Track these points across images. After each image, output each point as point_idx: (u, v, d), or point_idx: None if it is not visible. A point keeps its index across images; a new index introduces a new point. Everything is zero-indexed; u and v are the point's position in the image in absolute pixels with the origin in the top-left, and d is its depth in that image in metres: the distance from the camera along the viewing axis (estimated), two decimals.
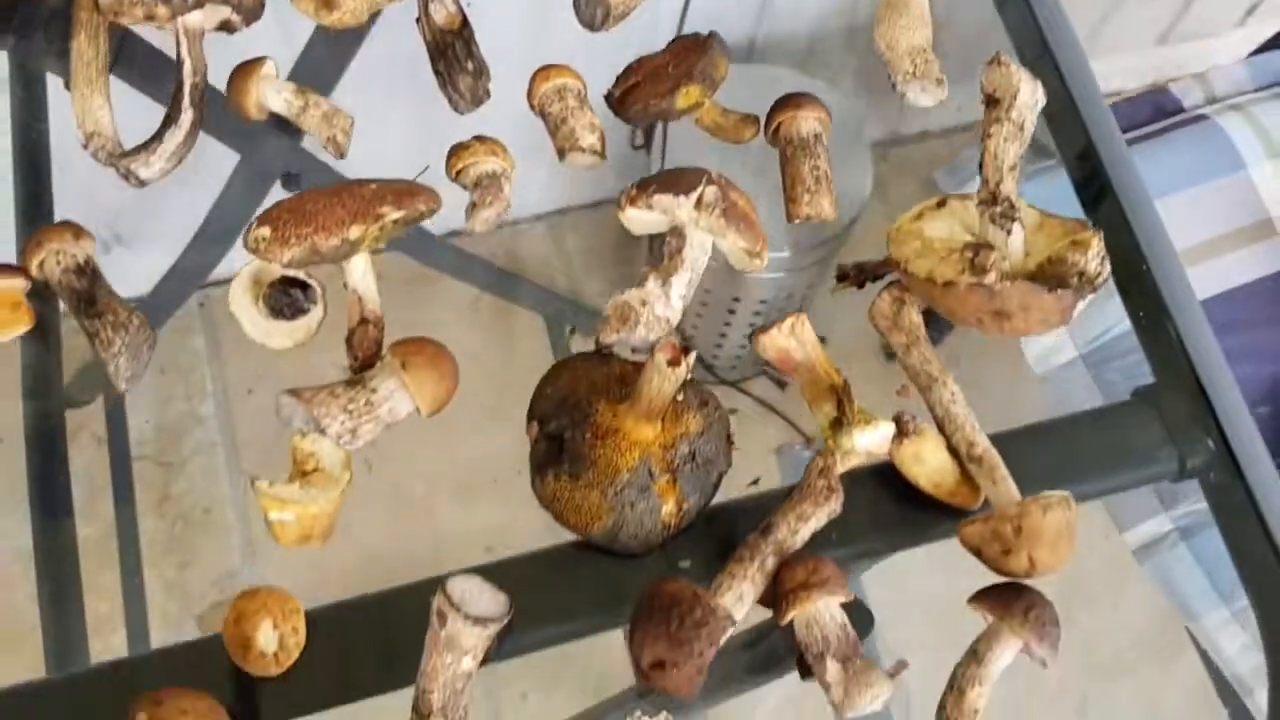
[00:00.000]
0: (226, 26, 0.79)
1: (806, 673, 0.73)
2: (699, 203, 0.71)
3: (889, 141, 2.27)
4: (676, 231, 0.74)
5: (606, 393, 0.71)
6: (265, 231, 0.68)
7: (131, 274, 0.95)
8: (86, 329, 0.70)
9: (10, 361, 0.79)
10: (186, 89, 0.76)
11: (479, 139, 0.77)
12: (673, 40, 0.83)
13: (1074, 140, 0.87)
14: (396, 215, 0.69)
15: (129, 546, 1.92)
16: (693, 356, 0.66)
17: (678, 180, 0.72)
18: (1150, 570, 1.34)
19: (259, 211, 1.51)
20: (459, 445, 2.08)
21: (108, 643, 1.74)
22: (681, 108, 0.78)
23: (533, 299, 2.06)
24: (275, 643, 0.64)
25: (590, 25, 0.82)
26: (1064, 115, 0.87)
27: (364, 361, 0.72)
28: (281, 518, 0.64)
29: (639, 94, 0.80)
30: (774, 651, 0.80)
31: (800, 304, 1.92)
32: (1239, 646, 1.29)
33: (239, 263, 0.74)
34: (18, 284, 0.70)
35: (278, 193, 1.50)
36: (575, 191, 2.08)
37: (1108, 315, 1.35)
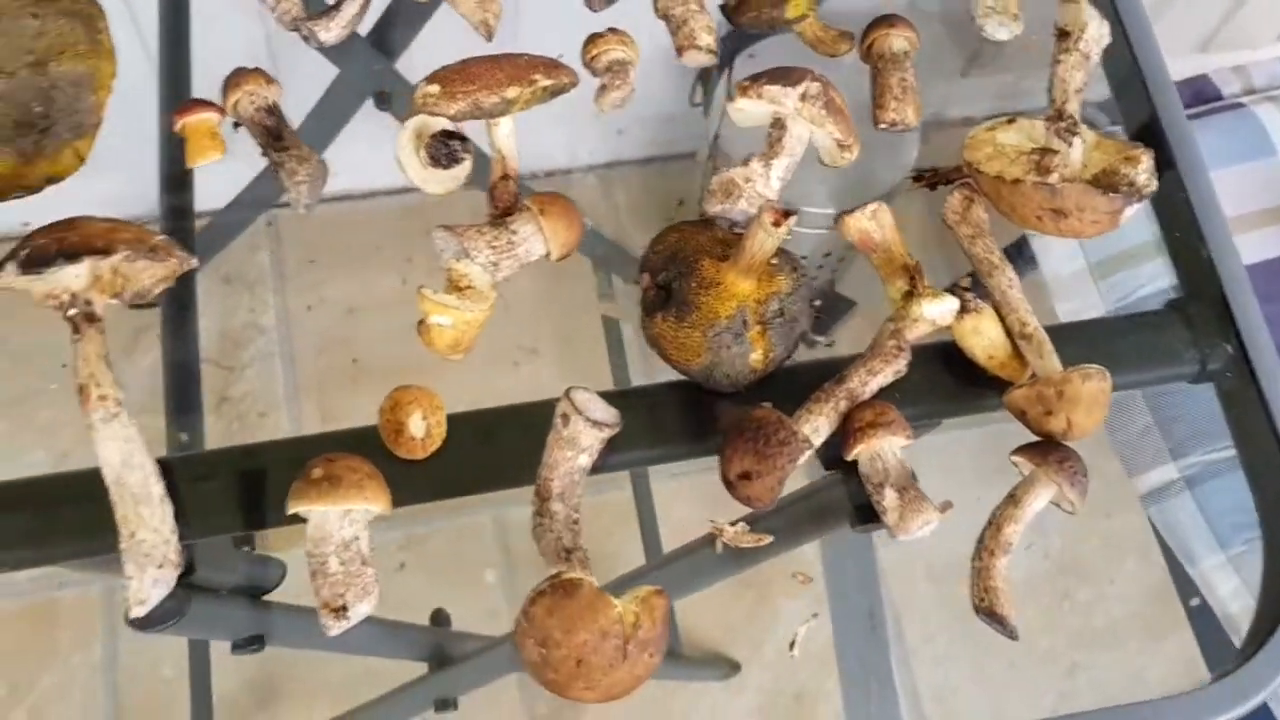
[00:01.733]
0: None
1: (857, 522, 0.85)
2: (804, 95, 0.83)
3: (932, 124, 2.37)
4: (779, 122, 0.85)
5: (710, 251, 0.82)
6: (434, 88, 0.79)
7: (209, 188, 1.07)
8: (273, 159, 0.81)
9: None
10: None
11: (612, 30, 0.88)
12: None
13: (1138, 111, 0.95)
14: (546, 83, 0.80)
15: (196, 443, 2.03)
16: (794, 219, 0.77)
17: (785, 74, 0.83)
18: (1155, 515, 1.45)
19: (343, 129, 1.62)
20: (501, 377, 2.20)
21: None
22: (790, 18, 0.89)
23: (588, 245, 2.17)
24: (423, 430, 0.76)
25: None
26: (1130, 86, 0.96)
27: (503, 210, 0.83)
28: (440, 321, 0.75)
29: (752, 4, 0.91)
30: (827, 506, 0.91)
31: (837, 263, 2.03)
32: (1231, 589, 1.40)
33: None
34: (214, 115, 0.82)
35: (367, 111, 1.61)
36: (628, 147, 2.19)
37: (1139, 276, 1.46)
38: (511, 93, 0.79)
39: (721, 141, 2.05)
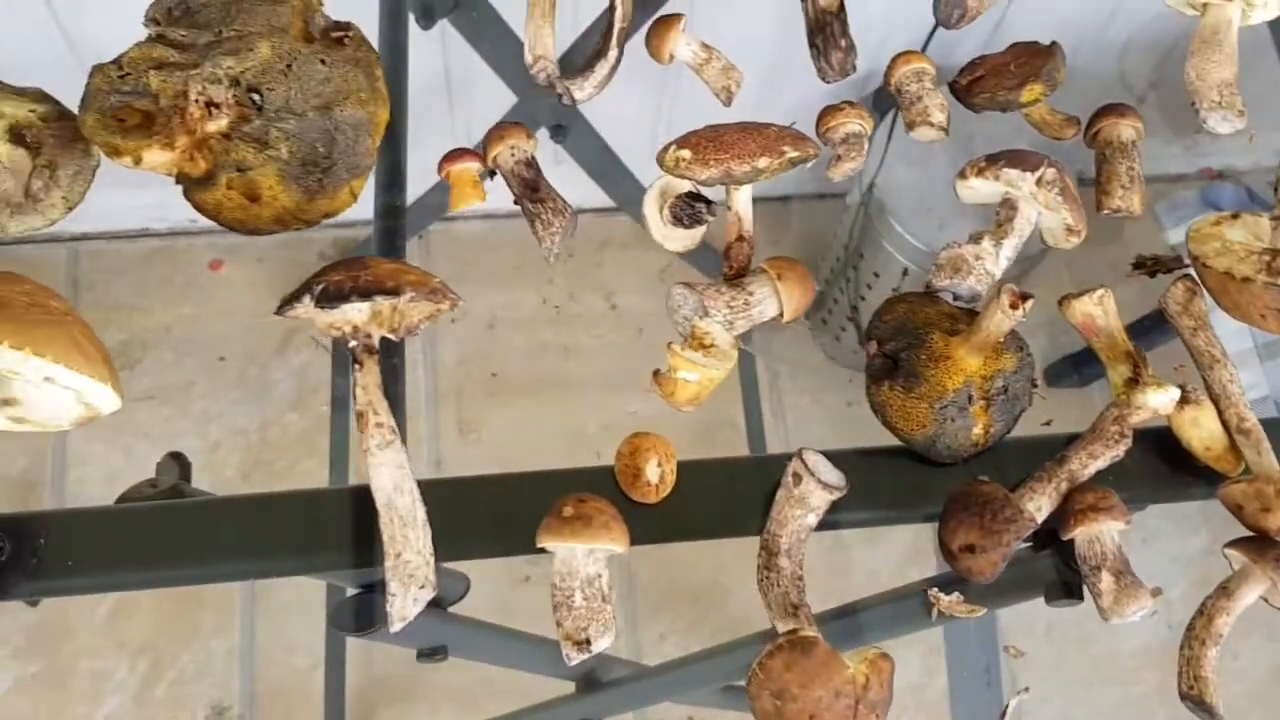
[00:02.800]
0: None
1: (1054, 597, 0.87)
2: (1040, 180, 0.85)
3: None
4: (1009, 203, 0.87)
5: (938, 325, 0.85)
6: (686, 153, 0.84)
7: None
8: (529, 211, 0.87)
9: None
10: (615, 31, 0.92)
11: (848, 103, 0.92)
12: (1012, 44, 0.97)
13: None
14: (794, 155, 0.84)
15: (340, 441, 2.11)
16: (1031, 303, 0.79)
17: (1024, 158, 0.86)
18: None
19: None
20: (635, 401, 2.24)
21: None
22: (1024, 101, 0.92)
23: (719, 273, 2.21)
24: (658, 476, 0.80)
25: (946, 23, 0.96)
26: None
27: (737, 270, 0.87)
28: (687, 376, 0.79)
29: (985, 85, 0.94)
30: (1025, 578, 0.93)
31: None
32: None
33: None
34: (476, 166, 0.87)
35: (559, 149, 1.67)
36: (772, 183, 2.23)
37: None
38: (762, 163, 0.83)
39: (877, 190, 2.08)
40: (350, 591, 0.86)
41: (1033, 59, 0.94)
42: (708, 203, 0.87)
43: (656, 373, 0.83)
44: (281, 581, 2.18)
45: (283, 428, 2.33)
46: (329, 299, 0.74)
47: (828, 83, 0.96)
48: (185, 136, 0.82)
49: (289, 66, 0.84)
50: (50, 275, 2.33)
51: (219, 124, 0.82)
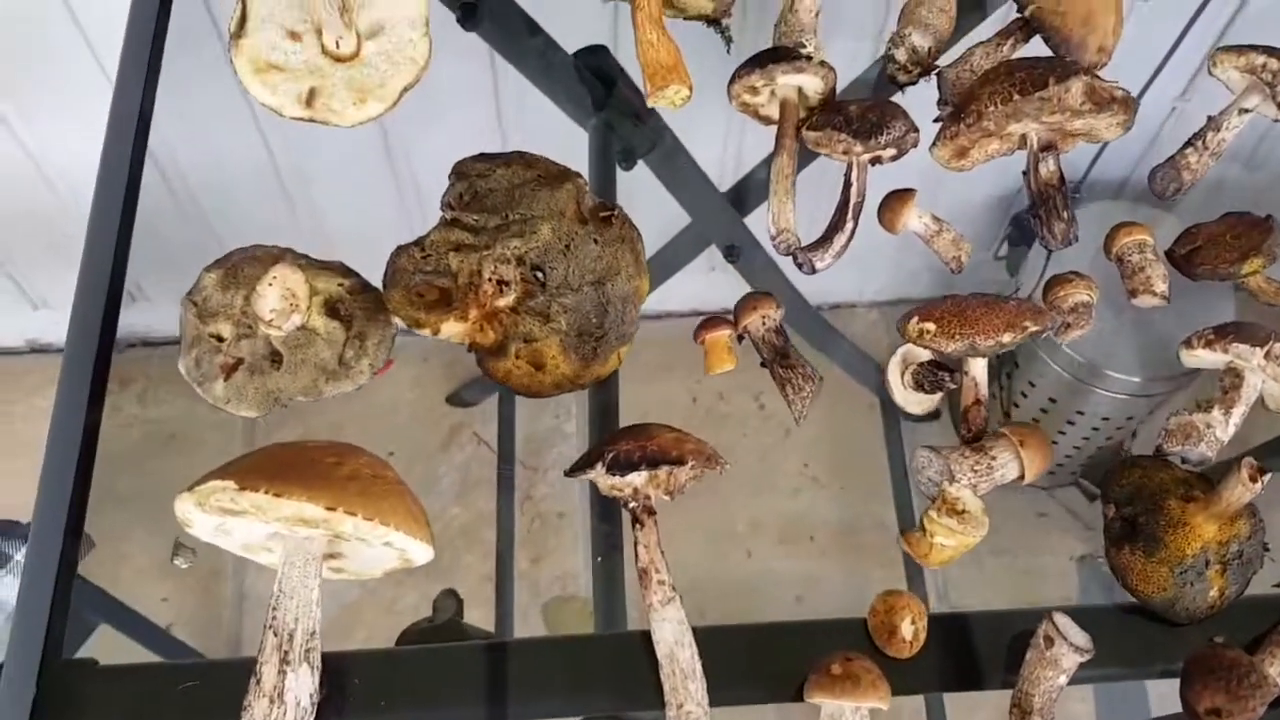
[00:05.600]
0: (876, 160, 1.03)
1: None
2: (1269, 353, 0.90)
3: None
4: (1234, 372, 0.92)
5: (1173, 491, 0.90)
6: (930, 326, 0.91)
7: None
8: (780, 376, 0.94)
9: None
10: (851, 205, 1.00)
11: (1076, 274, 0.98)
12: (1225, 215, 1.03)
13: None
14: (1035, 329, 0.90)
15: (505, 535, 2.19)
16: (1269, 476, 0.84)
17: (1252, 333, 0.91)
18: None
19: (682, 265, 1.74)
20: (783, 500, 2.29)
21: (470, 617, 2.01)
22: (1244, 273, 0.97)
23: (876, 381, 2.25)
24: (912, 634, 0.86)
25: (1161, 195, 1.02)
26: None
27: (974, 433, 0.93)
28: (945, 542, 0.85)
29: (1204, 257, 0.99)
30: None
31: (1137, 427, 2.05)
32: None
33: None
34: (728, 333, 0.95)
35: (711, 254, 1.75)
36: (916, 287, 2.28)
37: None
38: (1006, 338, 0.90)
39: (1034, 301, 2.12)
40: None
41: (1250, 231, 0.99)
42: (950, 371, 0.93)
43: (904, 533, 0.89)
44: None
45: (445, 522, 2.43)
46: (620, 467, 0.83)
47: (1048, 249, 1.02)
48: (477, 310, 0.92)
49: (568, 246, 0.94)
50: None
51: (508, 299, 0.92)
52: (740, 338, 0.98)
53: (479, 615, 2.03)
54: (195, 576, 2.23)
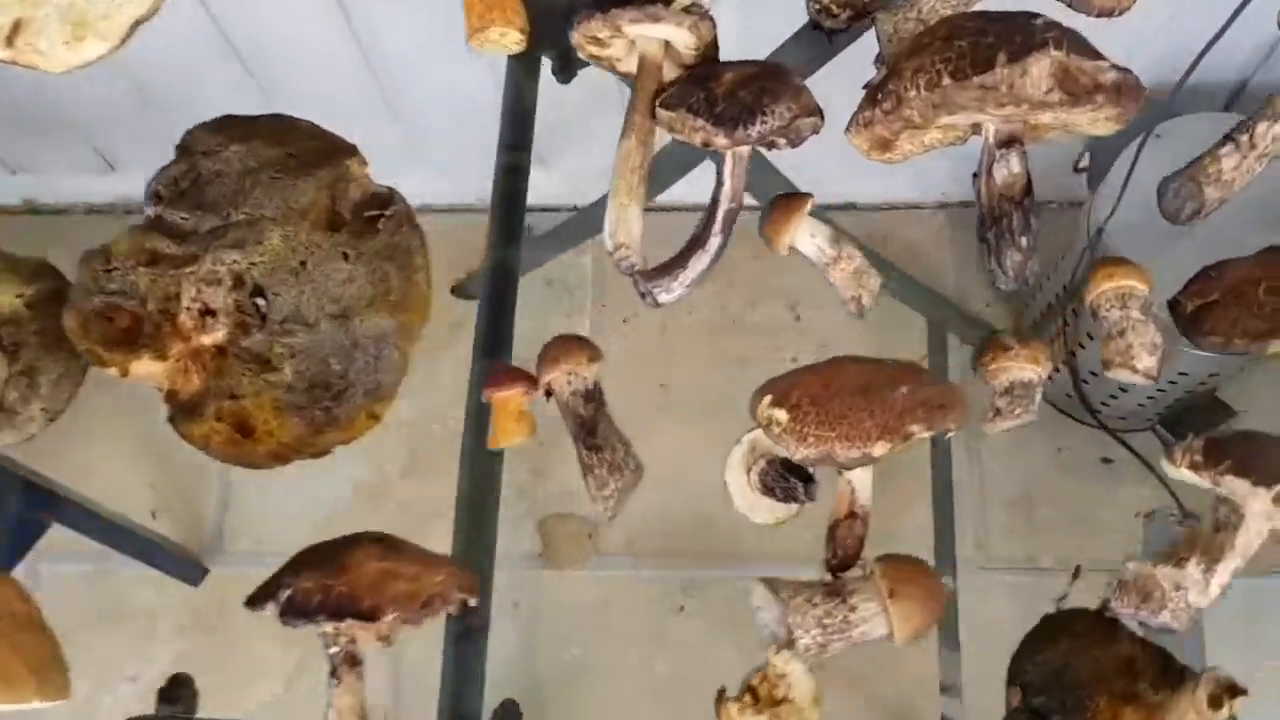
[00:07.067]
0: (770, 145, 0.73)
1: None
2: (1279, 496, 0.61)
3: None
4: (1230, 506, 0.63)
5: (1109, 684, 0.62)
6: (782, 416, 0.63)
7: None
8: (582, 459, 0.69)
9: None
10: (720, 213, 0.72)
11: (1020, 340, 0.68)
12: (1267, 249, 0.71)
13: None
14: (924, 435, 0.62)
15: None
16: (1240, 701, 0.56)
17: (1258, 463, 0.61)
18: None
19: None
20: None
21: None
22: (1274, 353, 0.66)
23: (918, 299, 1.93)
24: None
25: (1173, 219, 0.70)
26: None
27: (843, 560, 0.67)
28: None
29: (1219, 317, 0.68)
30: None
31: (1220, 383, 1.72)
32: None
33: None
34: (522, 396, 0.70)
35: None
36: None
37: None
38: (878, 449, 0.62)
39: (1107, 235, 1.76)
40: None
41: None
42: (807, 479, 0.66)
43: (719, 700, 0.64)
44: None
45: (444, 424, 2.26)
46: (293, 614, 0.59)
47: (999, 288, 0.72)
48: (182, 344, 0.68)
49: (303, 264, 0.69)
50: None
51: (215, 336, 0.68)
52: (549, 393, 0.72)
53: None
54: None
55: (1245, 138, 0.71)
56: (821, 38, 0.81)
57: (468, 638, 0.72)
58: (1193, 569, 0.62)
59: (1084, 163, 1.80)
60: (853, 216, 1.95)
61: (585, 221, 1.67)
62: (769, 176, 1.11)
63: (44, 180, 1.91)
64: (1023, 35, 0.64)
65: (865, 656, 0.62)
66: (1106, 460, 2.03)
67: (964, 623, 1.43)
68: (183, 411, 0.68)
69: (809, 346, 2.22)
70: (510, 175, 0.88)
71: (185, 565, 1.55)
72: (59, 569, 1.78)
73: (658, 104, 0.71)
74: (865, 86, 0.74)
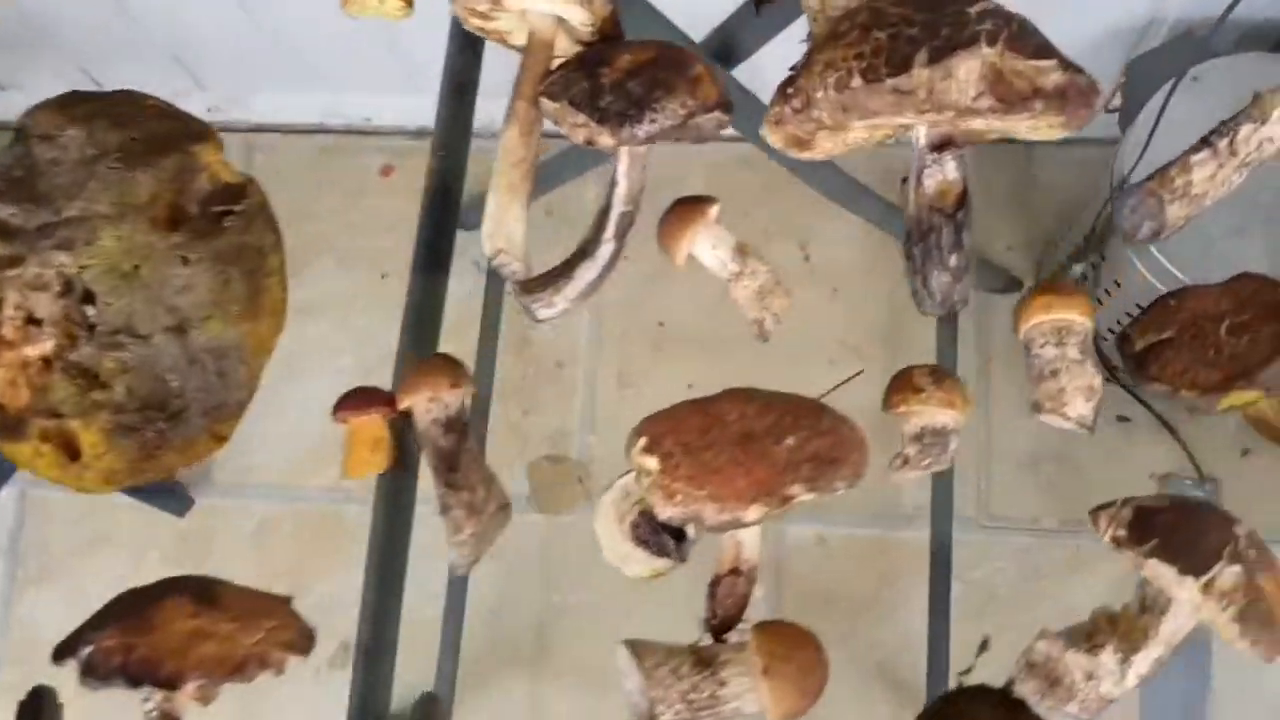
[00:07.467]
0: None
1: None
2: (1209, 585, 0.52)
3: None
4: (1156, 587, 0.55)
5: None
6: (653, 465, 0.56)
7: None
8: (440, 497, 0.62)
9: None
10: (614, 216, 0.63)
11: (936, 376, 0.60)
12: (1238, 276, 0.61)
13: None
14: (806, 497, 0.55)
15: (485, 380, 1.94)
16: None
17: (1186, 546, 0.53)
18: None
19: None
20: (816, 371, 1.94)
21: None
22: (1227, 406, 0.57)
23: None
24: None
25: (1130, 236, 0.61)
26: None
27: (723, 621, 0.60)
28: None
29: (1170, 360, 0.59)
30: None
31: None
32: None
33: None
34: (379, 423, 0.62)
35: None
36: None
37: None
38: (751, 514, 0.54)
39: (1132, 182, 1.63)
40: None
41: (1265, 322, 0.57)
42: (679, 536, 0.59)
43: None
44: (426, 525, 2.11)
45: None
46: (93, 674, 0.54)
47: (924, 312, 0.63)
48: (10, 353, 0.62)
49: (136, 268, 0.61)
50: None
51: (41, 347, 0.61)
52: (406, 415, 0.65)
53: None
54: None
55: (1224, 143, 0.61)
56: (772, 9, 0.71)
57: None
58: (1107, 657, 0.55)
59: (1116, 102, 1.66)
60: (868, 155, 1.84)
61: (587, 150, 1.57)
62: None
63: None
64: (950, 28, 0.54)
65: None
66: (1123, 419, 1.93)
67: (959, 582, 1.35)
68: (5, 429, 0.62)
69: (819, 289, 2.12)
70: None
71: (171, 496, 1.52)
72: (47, 494, 1.77)
73: (540, 92, 0.62)
74: (791, 69, 0.65)
